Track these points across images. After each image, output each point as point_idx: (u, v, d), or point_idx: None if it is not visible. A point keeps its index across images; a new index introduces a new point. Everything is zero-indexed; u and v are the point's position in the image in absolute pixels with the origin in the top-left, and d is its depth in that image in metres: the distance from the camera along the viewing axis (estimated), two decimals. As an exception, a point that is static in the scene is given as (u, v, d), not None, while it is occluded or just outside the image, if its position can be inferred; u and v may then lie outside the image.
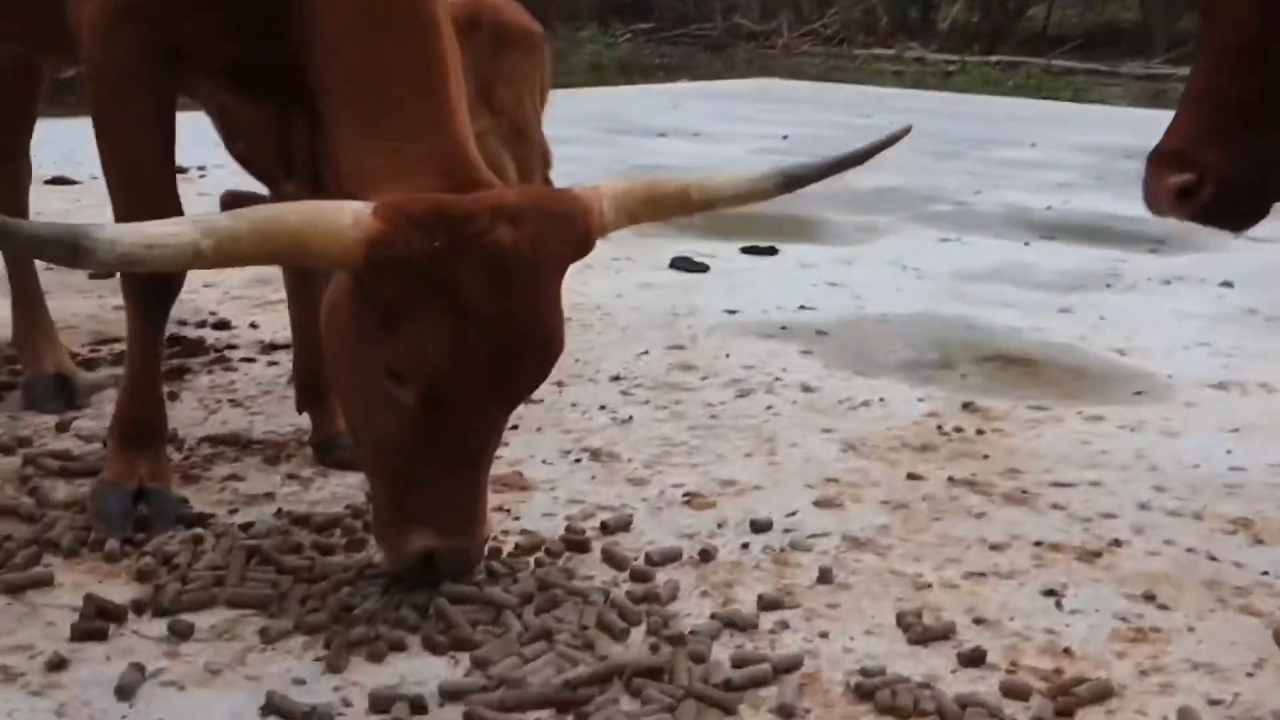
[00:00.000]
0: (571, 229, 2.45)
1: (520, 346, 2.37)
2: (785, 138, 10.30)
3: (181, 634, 2.36)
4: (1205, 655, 2.47)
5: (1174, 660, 2.45)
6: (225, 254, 2.22)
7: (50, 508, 2.82)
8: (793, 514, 3.03)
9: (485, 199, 2.37)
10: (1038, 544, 2.93)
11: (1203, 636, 2.54)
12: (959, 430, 3.64)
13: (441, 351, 2.31)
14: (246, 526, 2.79)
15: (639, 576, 2.66)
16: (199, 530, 2.73)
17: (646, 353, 4.28)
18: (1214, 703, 2.30)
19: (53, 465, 3.06)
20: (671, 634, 2.41)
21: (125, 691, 2.17)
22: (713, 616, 2.50)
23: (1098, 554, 2.89)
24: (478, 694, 2.19)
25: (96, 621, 2.36)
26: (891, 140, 2.84)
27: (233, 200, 2.43)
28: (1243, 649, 2.49)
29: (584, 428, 3.56)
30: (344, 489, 3.04)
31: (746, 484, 3.21)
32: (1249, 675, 2.41)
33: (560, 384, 3.91)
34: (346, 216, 2.29)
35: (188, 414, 3.53)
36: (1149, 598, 2.68)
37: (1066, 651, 2.46)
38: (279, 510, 2.89)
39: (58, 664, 2.24)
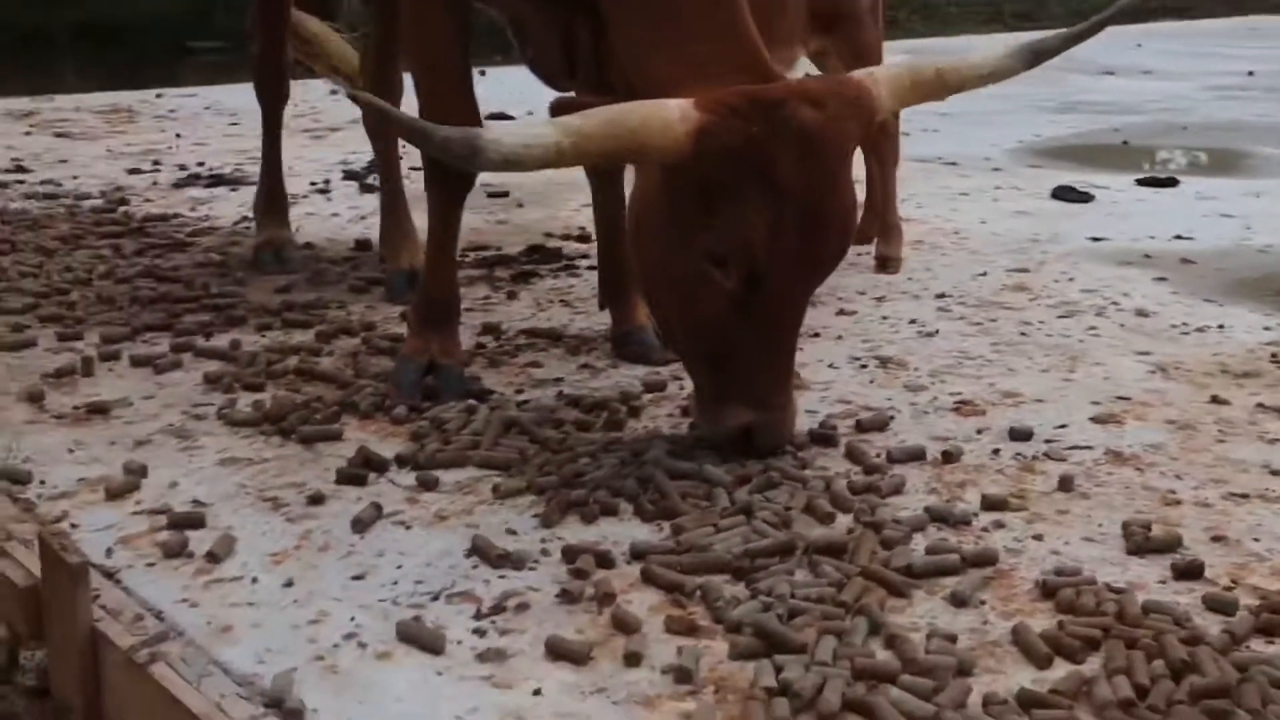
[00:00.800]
0: (860, 111, 2.62)
1: (826, 223, 2.56)
2: (1250, 74, 9.58)
3: (427, 485, 2.62)
4: None
5: None
6: (580, 151, 2.48)
7: (364, 378, 3.16)
8: (1062, 426, 2.94)
9: (789, 87, 2.56)
10: (1328, 472, 2.70)
11: None
12: (1296, 359, 3.37)
13: (761, 232, 2.50)
14: (522, 403, 3.02)
15: (871, 471, 2.68)
16: (474, 402, 2.99)
17: (984, 274, 4.20)
18: None
19: (383, 345, 3.42)
20: (873, 521, 2.43)
21: (359, 524, 2.44)
22: (925, 510, 2.50)
23: (1397, 487, 2.63)
24: (661, 554, 2.31)
25: (361, 469, 2.66)
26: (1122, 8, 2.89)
27: (559, 106, 2.66)
28: None
29: (885, 338, 3.57)
30: (627, 379, 3.21)
31: (1028, 396, 3.12)
32: None
33: (880, 299, 3.93)
34: (674, 112, 2.49)
35: (519, 310, 3.83)
36: None
37: (1303, 575, 2.29)
38: (559, 393, 3.11)
39: (317, 499, 2.55)
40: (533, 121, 2.47)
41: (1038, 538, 2.42)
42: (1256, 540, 2.41)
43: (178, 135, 6.77)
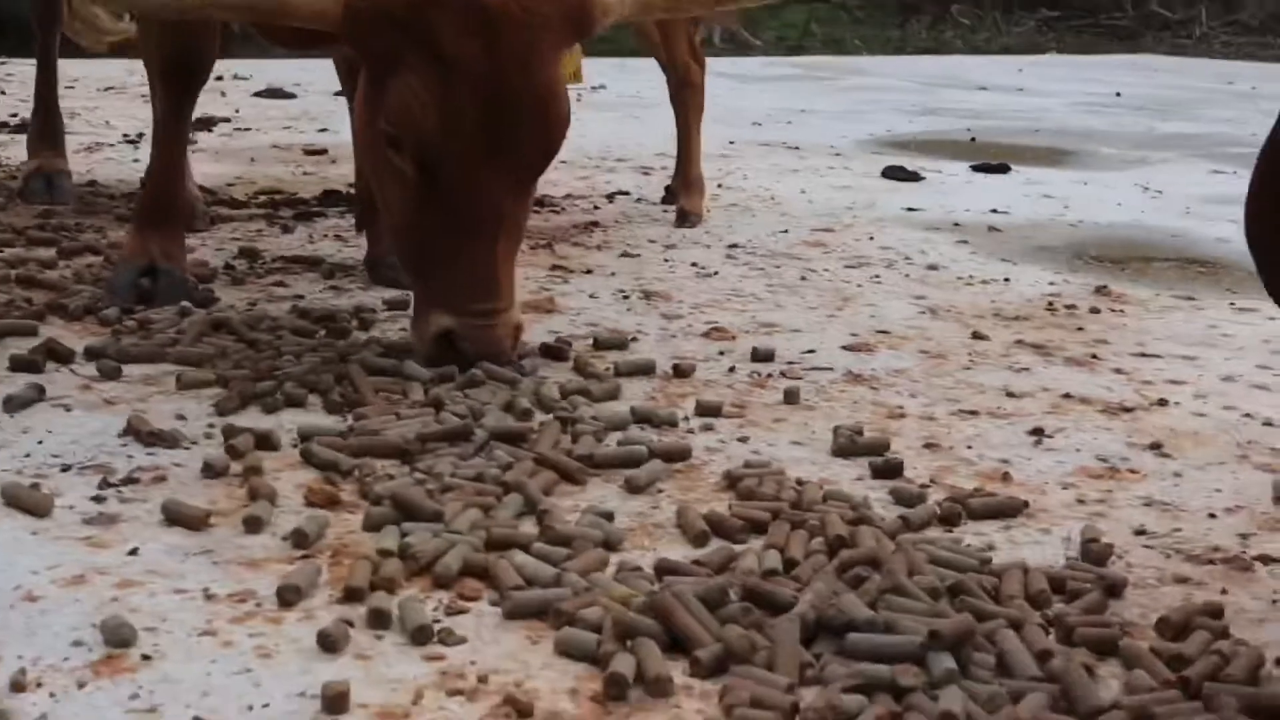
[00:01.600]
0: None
1: (511, 109, 2.36)
2: (1118, 94, 9.65)
3: (107, 374, 2.43)
4: (1172, 496, 2.12)
5: (1129, 496, 2.12)
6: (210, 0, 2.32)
7: (82, 284, 2.97)
8: (810, 352, 2.82)
9: None
10: (1066, 396, 2.60)
11: (1185, 482, 2.18)
12: (1071, 308, 3.28)
13: (428, 110, 2.32)
14: (245, 311, 2.85)
15: (589, 378, 2.54)
16: (188, 305, 2.82)
17: (786, 231, 4.09)
18: (1141, 533, 1.97)
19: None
20: (570, 417, 2.28)
21: (11, 402, 2.25)
22: (631, 410, 2.35)
23: (1130, 409, 2.54)
24: (328, 437, 2.15)
25: (39, 357, 2.46)
26: None
27: None
28: (1226, 495, 2.13)
29: (658, 276, 3.44)
30: (372, 299, 3.05)
31: (785, 327, 3.00)
32: (1210, 516, 2.04)
33: (670, 246, 3.80)
34: None
35: (288, 242, 3.65)
36: (1154, 447, 2.33)
37: (1005, 477, 2.17)
38: (294, 306, 2.93)
39: (-24, 383, 2.36)
40: None
41: (743, 440, 2.29)
42: (969, 448, 2.30)
43: (3, 93, 6.52)
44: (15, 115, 5.73)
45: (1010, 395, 2.59)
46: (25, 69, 7.67)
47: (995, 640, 1.56)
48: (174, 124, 2.95)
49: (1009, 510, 2.01)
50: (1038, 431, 2.38)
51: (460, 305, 2.44)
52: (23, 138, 5.13)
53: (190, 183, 3.83)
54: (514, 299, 2.51)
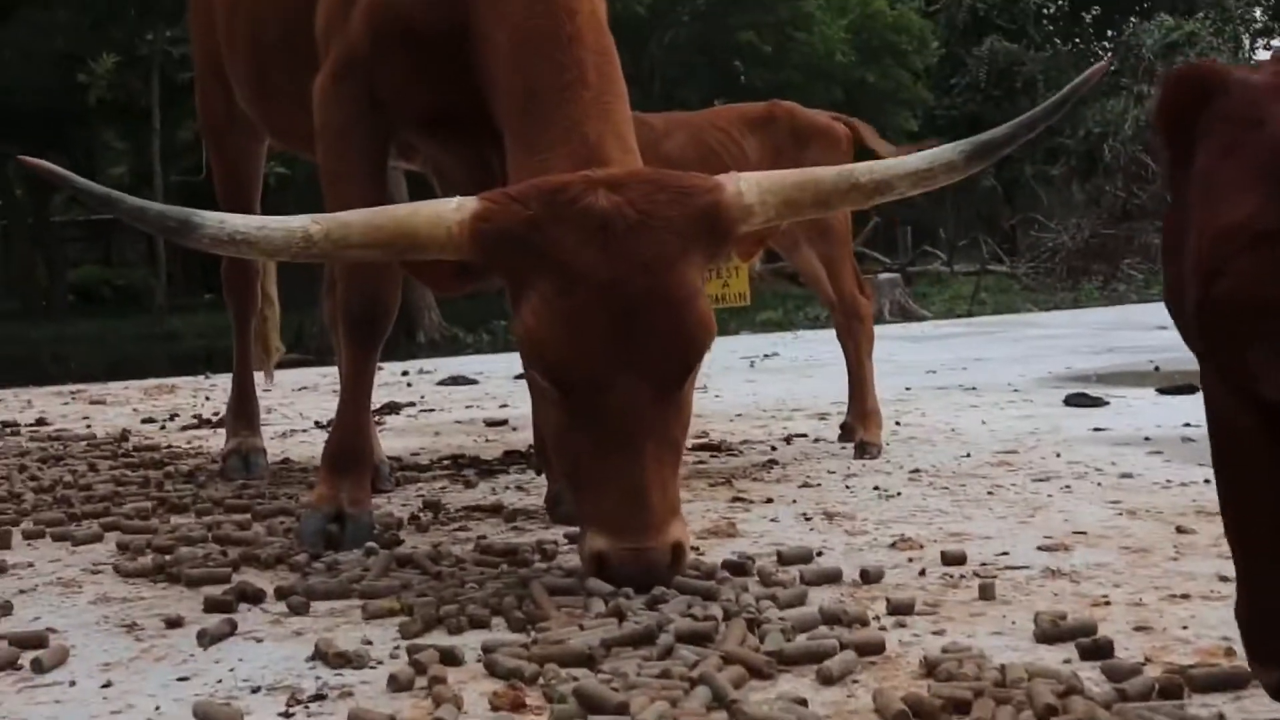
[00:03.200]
0: (690, 200, 2.41)
1: (637, 317, 2.33)
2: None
3: (296, 610, 2.46)
4: None
5: (1368, 661, 1.94)
6: (335, 240, 2.41)
7: (274, 535, 3.04)
8: (1003, 554, 2.71)
9: (586, 173, 2.44)
10: (1285, 577, 2.43)
11: None
12: (1280, 501, 3.11)
13: (549, 324, 2.33)
14: (430, 551, 2.87)
15: (773, 585, 2.47)
16: (373, 545, 2.85)
17: (968, 456, 4.00)
18: (1387, 694, 1.80)
19: (315, 519, 3.30)
20: (755, 618, 2.21)
21: (204, 637, 2.27)
22: (819, 611, 2.27)
23: (1358, 585, 2.35)
24: (512, 648, 2.11)
25: (232, 599, 2.51)
26: (1087, 80, 2.52)
27: None
28: None
29: (839, 499, 3.38)
30: (552, 535, 3.04)
31: (976, 535, 2.90)
32: None
33: (850, 475, 3.75)
34: (450, 204, 2.46)
35: (471, 495, 3.69)
36: (1390, 616, 2.15)
37: (1229, 653, 2.02)
38: (476, 544, 2.95)
39: (175, 623, 2.40)
40: None
41: (939, 633, 2.19)
42: (1185, 628, 2.16)
43: (206, 398, 6.87)
44: (217, 414, 6.01)
45: (1224, 579, 2.44)
46: (227, 379, 8.13)
47: (1233, 794, 1.42)
48: (355, 376, 3.06)
49: (1237, 681, 1.86)
50: (1258, 609, 2.22)
51: (611, 526, 2.35)
52: (224, 433, 5.40)
53: (377, 446, 3.95)
54: (670, 515, 2.39)
